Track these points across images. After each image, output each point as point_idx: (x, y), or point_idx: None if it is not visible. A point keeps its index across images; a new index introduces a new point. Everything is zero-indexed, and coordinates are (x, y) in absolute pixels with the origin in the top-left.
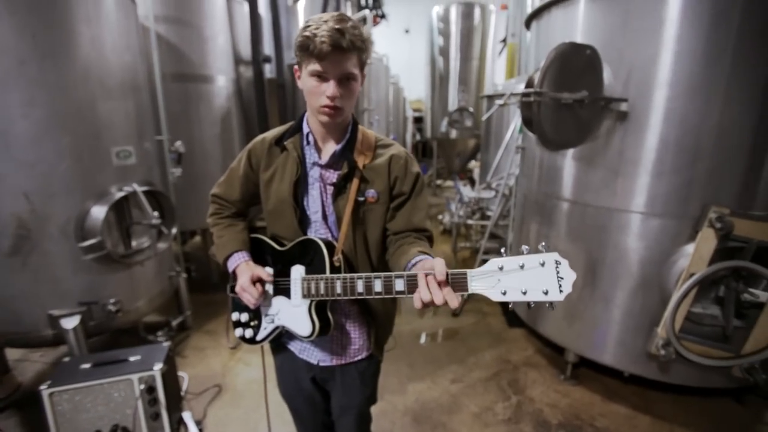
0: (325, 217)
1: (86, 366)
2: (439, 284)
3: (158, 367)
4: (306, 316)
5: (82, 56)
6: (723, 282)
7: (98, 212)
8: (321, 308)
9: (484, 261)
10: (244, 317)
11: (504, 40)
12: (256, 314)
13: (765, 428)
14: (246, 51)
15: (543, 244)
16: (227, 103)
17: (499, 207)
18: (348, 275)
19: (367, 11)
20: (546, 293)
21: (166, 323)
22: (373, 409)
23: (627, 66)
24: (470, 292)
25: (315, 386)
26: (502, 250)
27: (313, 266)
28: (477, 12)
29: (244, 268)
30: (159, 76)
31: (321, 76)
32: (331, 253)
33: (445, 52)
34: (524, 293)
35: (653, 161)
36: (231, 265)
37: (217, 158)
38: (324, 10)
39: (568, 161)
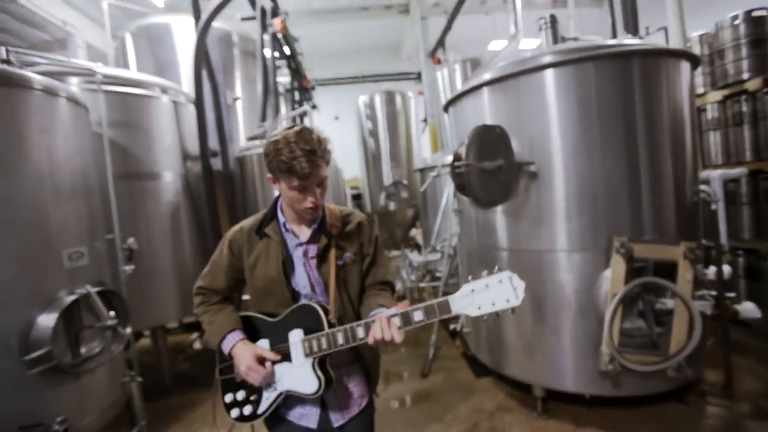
0: (313, 288)
1: None
2: (388, 321)
3: None
4: (311, 374)
5: (34, 163)
6: (640, 297)
7: (47, 320)
8: (322, 364)
9: (443, 321)
10: (241, 395)
11: (425, 120)
12: (255, 388)
13: (708, 421)
14: (193, 147)
15: (497, 267)
16: (176, 198)
17: (446, 266)
18: (347, 325)
19: (307, 107)
20: (508, 301)
21: None
22: None
23: (528, 137)
24: (453, 313)
25: None
26: (470, 278)
27: (310, 328)
28: (398, 98)
29: (242, 347)
30: (111, 177)
31: (302, 189)
32: (326, 313)
33: (374, 133)
34: (493, 305)
35: (564, 208)
36: (226, 346)
37: (168, 253)
38: (264, 108)
39: (499, 216)
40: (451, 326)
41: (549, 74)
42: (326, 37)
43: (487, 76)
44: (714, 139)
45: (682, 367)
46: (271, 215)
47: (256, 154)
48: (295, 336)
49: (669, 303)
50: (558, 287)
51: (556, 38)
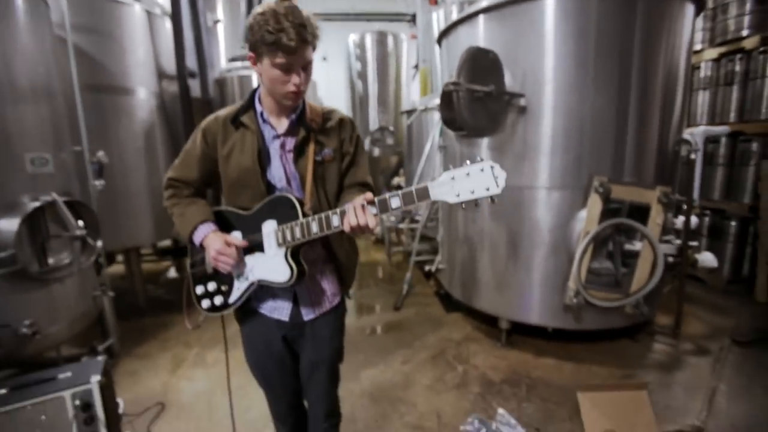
0: (288, 182)
1: (2, 391)
2: (363, 207)
3: (96, 379)
4: (283, 263)
5: None
6: (610, 239)
7: (8, 225)
8: (295, 255)
9: (418, 262)
10: (212, 286)
11: (416, 66)
12: (226, 279)
13: (653, 356)
14: (169, 66)
15: (480, 157)
16: (150, 117)
17: (426, 210)
18: (322, 214)
19: None
20: (488, 189)
21: (91, 349)
22: None
23: (521, 70)
24: (432, 199)
25: (285, 347)
26: (450, 167)
27: (284, 219)
28: (390, 40)
29: (213, 237)
30: (77, 84)
31: (287, 68)
32: (301, 205)
33: (363, 76)
34: (472, 192)
35: (549, 144)
36: (197, 237)
37: (141, 172)
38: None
39: (484, 151)
40: (426, 267)
41: (549, 2)
42: None
43: (484, 2)
44: (702, 99)
45: (639, 305)
46: (248, 105)
47: (237, 76)
48: (269, 226)
49: (637, 245)
50: (534, 224)
51: None
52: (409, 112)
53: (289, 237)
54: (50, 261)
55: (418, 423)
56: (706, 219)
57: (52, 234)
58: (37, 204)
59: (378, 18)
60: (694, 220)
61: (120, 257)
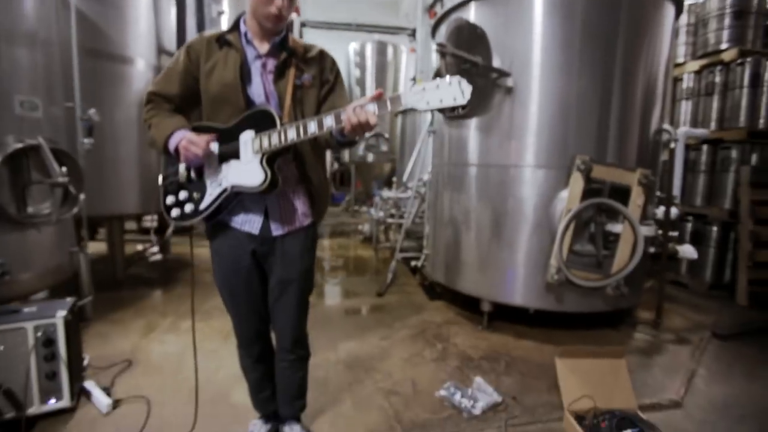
0: (267, 100)
1: None
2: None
3: (61, 314)
4: (258, 167)
5: None
6: (592, 221)
7: None
8: (270, 163)
9: (405, 258)
10: (183, 195)
11: (414, 78)
12: (197, 186)
13: (634, 342)
14: (170, 43)
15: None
16: (146, 88)
17: (414, 206)
18: (301, 120)
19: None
20: (455, 99)
21: None
22: None
23: (510, 53)
24: (404, 106)
25: (254, 264)
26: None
27: (262, 130)
28: (390, 50)
29: (187, 134)
30: (75, 43)
31: None
32: (280, 120)
33: (361, 82)
34: (441, 101)
35: (536, 124)
36: (173, 142)
37: (133, 142)
38: None
39: (472, 132)
40: (413, 263)
41: None
42: None
43: None
44: (684, 108)
45: (620, 286)
46: (234, 26)
47: None
48: (246, 135)
49: (618, 228)
50: (518, 202)
51: None
52: (403, 113)
53: (266, 143)
54: (29, 209)
55: (392, 389)
56: (689, 225)
57: (34, 180)
58: (20, 145)
59: (379, 30)
60: (674, 211)
61: (102, 234)
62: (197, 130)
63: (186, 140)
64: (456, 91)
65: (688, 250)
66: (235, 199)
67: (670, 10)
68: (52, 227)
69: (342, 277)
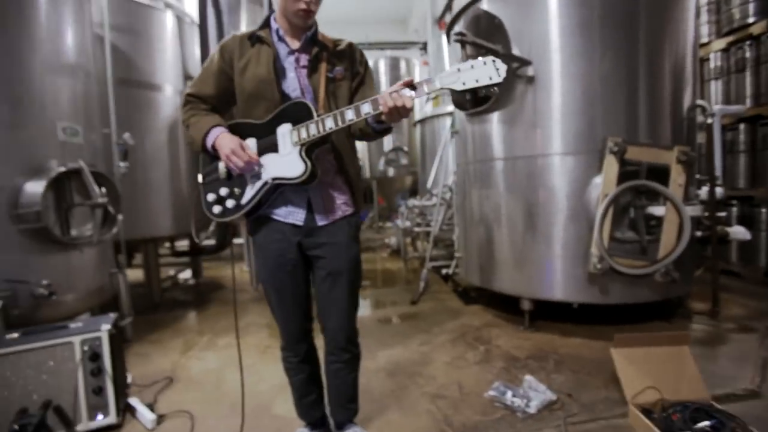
0: (302, 94)
1: (13, 335)
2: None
3: (106, 327)
4: (297, 159)
5: (35, 24)
6: (631, 205)
7: (36, 186)
8: (309, 154)
9: (435, 267)
10: (224, 191)
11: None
12: (237, 182)
13: (693, 334)
14: (195, 69)
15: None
16: (174, 114)
17: (441, 214)
18: (336, 111)
19: None
20: (491, 78)
21: None
22: None
23: (528, 41)
24: (438, 87)
25: (300, 257)
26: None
27: (299, 122)
28: (403, 64)
29: (226, 137)
30: (110, 75)
31: None
32: (316, 111)
33: None
34: (477, 81)
35: (560, 110)
36: (210, 139)
37: (164, 165)
38: None
39: (495, 126)
40: (444, 271)
41: None
42: (334, 2)
43: None
44: (714, 88)
45: (669, 272)
46: (265, 24)
47: None
48: (284, 128)
49: (660, 210)
50: (550, 192)
51: None
52: (422, 122)
53: (304, 134)
54: (73, 231)
55: (438, 392)
56: (734, 209)
57: (76, 203)
58: (63, 168)
59: (391, 46)
60: (719, 190)
61: (138, 260)
62: (234, 127)
63: (228, 149)
64: (491, 70)
65: (740, 231)
66: (276, 192)
67: None
68: (93, 249)
69: (372, 290)
